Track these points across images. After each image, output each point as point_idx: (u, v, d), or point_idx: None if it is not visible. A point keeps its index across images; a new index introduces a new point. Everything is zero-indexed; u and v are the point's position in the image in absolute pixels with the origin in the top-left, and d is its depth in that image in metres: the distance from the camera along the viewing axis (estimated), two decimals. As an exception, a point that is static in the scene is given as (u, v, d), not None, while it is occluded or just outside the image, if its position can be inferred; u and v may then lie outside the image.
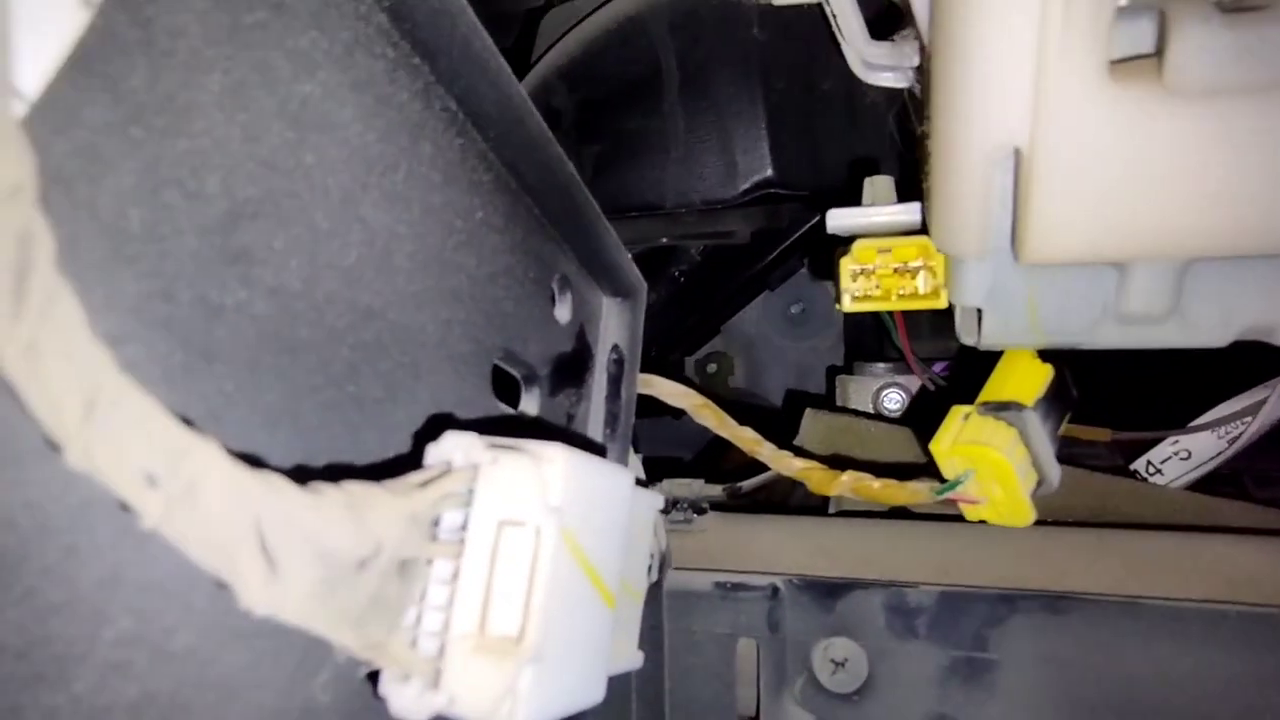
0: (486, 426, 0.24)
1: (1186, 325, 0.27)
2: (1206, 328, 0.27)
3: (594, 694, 0.20)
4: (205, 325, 0.15)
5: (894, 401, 0.53)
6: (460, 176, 0.24)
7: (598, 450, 0.31)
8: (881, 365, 0.55)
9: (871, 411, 0.54)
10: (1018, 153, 0.24)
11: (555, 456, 0.18)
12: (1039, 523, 0.37)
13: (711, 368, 0.77)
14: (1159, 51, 0.21)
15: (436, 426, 0.19)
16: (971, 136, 0.24)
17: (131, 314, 0.14)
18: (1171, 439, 0.46)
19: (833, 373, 0.60)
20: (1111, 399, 0.51)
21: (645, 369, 0.39)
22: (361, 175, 0.20)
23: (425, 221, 0.22)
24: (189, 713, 0.15)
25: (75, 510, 0.13)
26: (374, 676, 0.17)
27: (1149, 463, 0.49)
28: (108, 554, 0.13)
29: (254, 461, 0.15)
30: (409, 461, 0.19)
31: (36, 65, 0.12)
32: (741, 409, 0.72)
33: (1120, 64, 0.22)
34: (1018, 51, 0.22)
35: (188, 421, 0.13)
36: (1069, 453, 0.45)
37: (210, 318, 0.15)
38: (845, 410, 0.50)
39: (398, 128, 0.21)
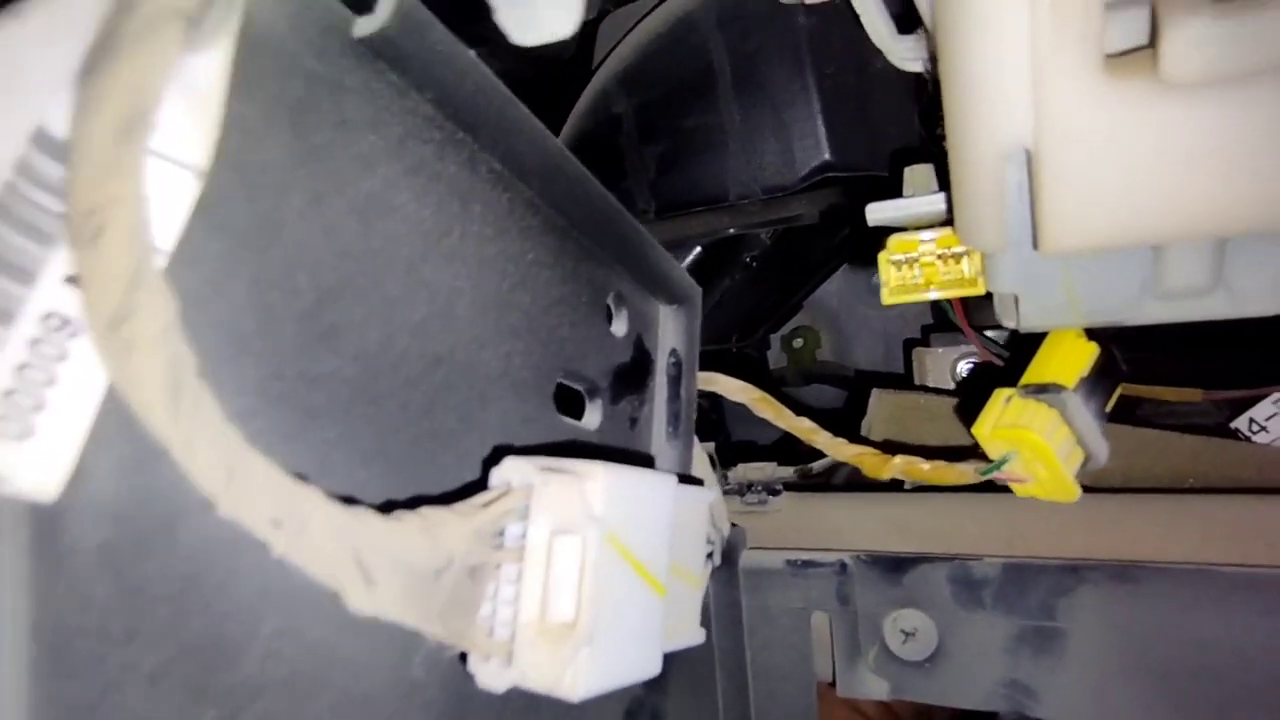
0: (547, 447, 0.28)
1: (1234, 296, 0.27)
2: (1255, 297, 0.27)
3: (648, 668, 0.23)
4: (308, 392, 0.20)
5: (971, 373, 0.53)
6: (509, 226, 0.27)
7: (647, 460, 0.34)
8: (956, 336, 0.54)
9: (952, 383, 0.54)
10: (1027, 151, 0.25)
11: (595, 474, 0.21)
12: (1113, 490, 0.38)
13: (797, 343, 0.78)
14: (1153, 43, 0.21)
15: (501, 453, 0.23)
16: (980, 138, 0.25)
17: (254, 393, 0.18)
18: (1275, 395, 0.44)
19: (910, 346, 0.60)
20: (1209, 355, 0.49)
21: (725, 363, 0.41)
22: (421, 245, 0.24)
23: (481, 272, 0.26)
24: (325, 687, 0.20)
25: (232, 544, 0.17)
26: (464, 657, 0.22)
27: (1251, 420, 0.46)
28: (257, 574, 0.18)
29: (353, 497, 0.20)
30: (480, 483, 0.23)
31: (169, 226, 0.16)
32: (832, 382, 0.72)
33: (1116, 58, 0.22)
34: (1014, 52, 0.23)
35: (302, 473, 0.17)
36: (1156, 413, 0.44)
37: (311, 385, 0.20)
38: (919, 387, 0.51)
39: (449, 197, 0.25)
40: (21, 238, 0.14)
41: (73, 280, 0.14)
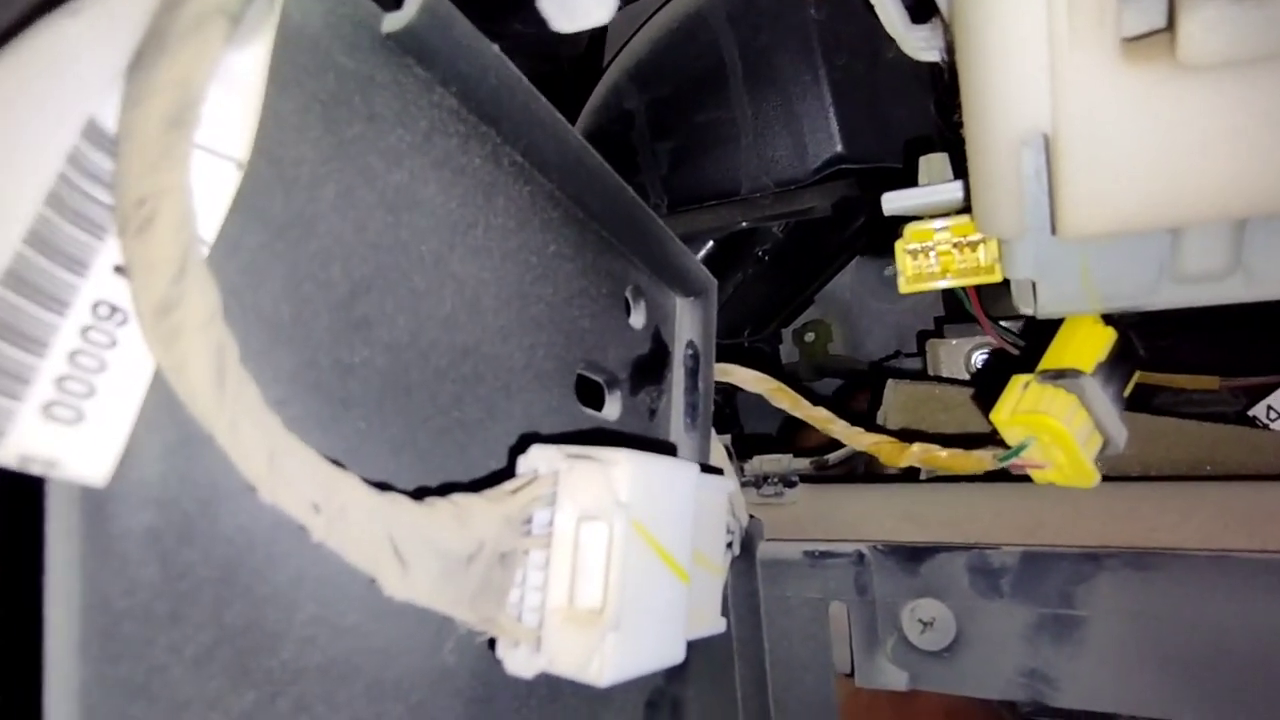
0: (571, 435, 0.28)
1: (1251, 280, 0.27)
2: (1274, 280, 0.27)
3: (673, 654, 0.24)
4: (341, 381, 0.20)
5: (986, 364, 0.53)
6: (532, 219, 0.28)
7: (669, 448, 0.35)
8: (970, 327, 0.54)
9: (966, 375, 0.54)
10: (1045, 136, 0.25)
11: (620, 460, 0.22)
12: (1131, 478, 0.38)
13: (809, 336, 0.78)
14: (1170, 26, 0.22)
15: (527, 441, 0.24)
16: (998, 125, 0.25)
17: (289, 381, 0.19)
18: (1292, 382, 0.44)
19: (923, 338, 0.60)
20: (1226, 341, 0.49)
21: (737, 357, 0.41)
22: (448, 238, 0.24)
23: (505, 265, 0.26)
24: (360, 672, 0.20)
25: (271, 530, 0.18)
26: (492, 643, 0.22)
27: (1269, 408, 0.46)
28: (295, 559, 0.18)
29: (385, 485, 0.20)
30: (507, 471, 0.23)
31: (211, 217, 0.16)
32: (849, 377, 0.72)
33: (1134, 41, 0.22)
34: (1031, 38, 0.23)
35: (336, 460, 0.18)
36: (1174, 402, 0.44)
37: (344, 375, 0.20)
38: (932, 378, 0.51)
39: (473, 190, 0.25)
40: (74, 228, 0.14)
41: (121, 269, 0.15)
